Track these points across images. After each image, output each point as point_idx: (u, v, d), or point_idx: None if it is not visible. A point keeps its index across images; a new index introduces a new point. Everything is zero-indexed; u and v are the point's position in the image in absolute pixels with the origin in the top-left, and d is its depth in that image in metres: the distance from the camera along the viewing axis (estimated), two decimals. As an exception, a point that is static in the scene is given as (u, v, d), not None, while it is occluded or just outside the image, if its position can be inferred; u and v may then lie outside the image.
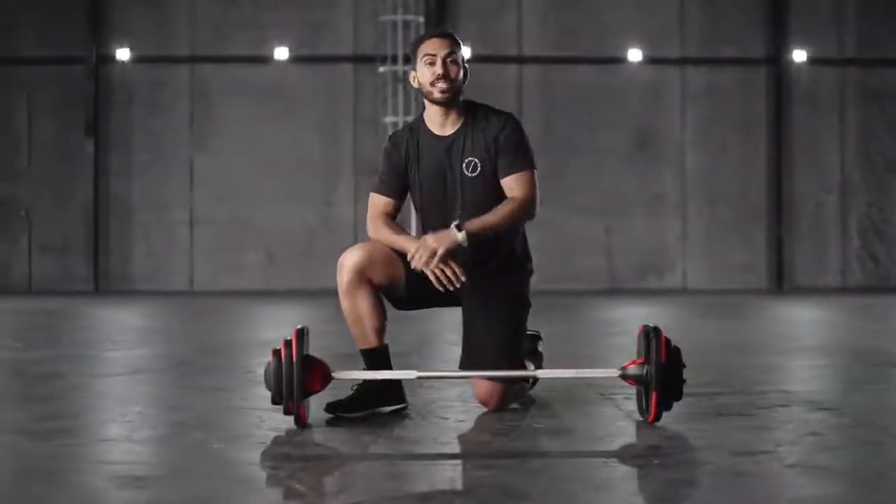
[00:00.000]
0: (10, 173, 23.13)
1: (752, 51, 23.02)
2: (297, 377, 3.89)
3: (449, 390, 4.94)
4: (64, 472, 3.20)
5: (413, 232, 4.47)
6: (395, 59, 22.64)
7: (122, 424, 4.13)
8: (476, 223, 4.15)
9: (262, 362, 5.01)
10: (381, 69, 22.71)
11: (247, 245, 22.86)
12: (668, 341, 3.96)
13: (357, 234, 22.69)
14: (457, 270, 4.10)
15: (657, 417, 3.95)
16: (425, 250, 4.07)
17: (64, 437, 3.82)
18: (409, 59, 4.50)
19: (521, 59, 22.96)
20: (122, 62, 23.03)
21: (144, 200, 23.03)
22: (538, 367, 4.77)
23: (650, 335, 3.94)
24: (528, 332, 4.99)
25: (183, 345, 8.72)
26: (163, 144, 23.03)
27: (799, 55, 22.90)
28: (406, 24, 22.76)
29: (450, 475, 3.24)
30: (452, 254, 4.07)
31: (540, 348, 4.93)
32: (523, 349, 4.47)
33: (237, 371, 6.01)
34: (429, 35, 4.45)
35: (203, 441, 3.71)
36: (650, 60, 22.81)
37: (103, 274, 22.91)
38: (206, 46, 23.05)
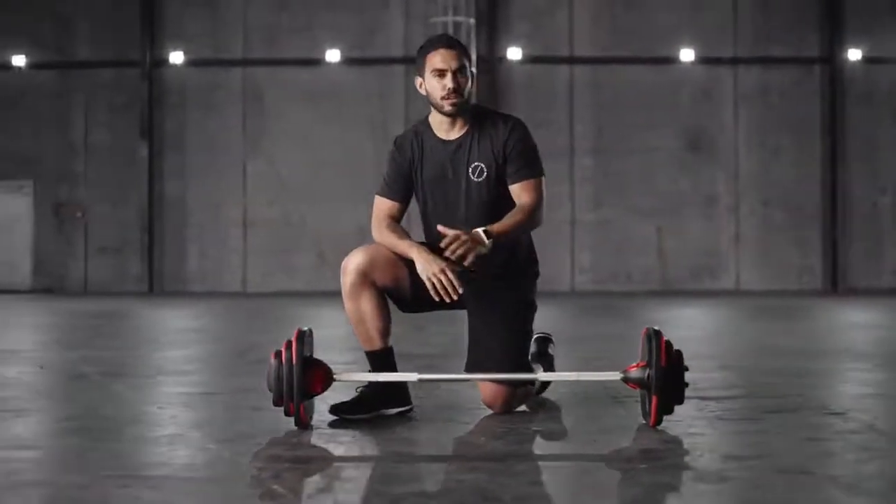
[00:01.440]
0: (68, 176, 23.48)
1: (806, 50, 22.78)
2: (297, 379, 3.92)
3: (463, 393, 4.93)
4: (50, 468, 3.24)
5: (415, 234, 4.46)
6: (446, 61, 22.65)
7: (124, 424, 4.17)
8: (499, 227, 4.14)
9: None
10: (432, 71, 22.74)
11: (299, 246, 23.02)
12: (668, 344, 3.92)
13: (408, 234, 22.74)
14: (455, 282, 4.10)
15: (658, 421, 3.92)
16: (460, 244, 4.03)
17: (62, 435, 3.87)
18: (416, 62, 4.46)
19: (572, 60, 22.89)
20: (176, 65, 23.28)
21: (198, 202, 23.27)
22: (548, 369, 4.75)
23: (651, 338, 3.92)
24: (539, 335, 4.98)
25: (225, 345, 8.78)
26: (216, 146, 23.24)
27: (854, 54, 22.62)
28: (457, 26, 22.78)
29: (431, 477, 3.23)
30: (475, 258, 4.06)
31: (550, 351, 4.90)
32: (528, 352, 4.44)
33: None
34: (436, 45, 4.36)
35: (199, 441, 3.74)
36: (702, 60, 22.65)
37: (157, 275, 23.18)
38: (258, 49, 23.24)
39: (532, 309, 4.49)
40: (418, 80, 4.38)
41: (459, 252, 4.03)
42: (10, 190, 23.52)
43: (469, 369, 4.37)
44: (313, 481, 3.14)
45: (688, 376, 3.89)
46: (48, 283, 23.42)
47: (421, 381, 4.17)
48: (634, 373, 4.04)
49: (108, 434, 3.92)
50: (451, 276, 4.08)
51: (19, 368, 6.38)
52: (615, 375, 4.11)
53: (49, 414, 4.58)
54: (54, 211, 23.49)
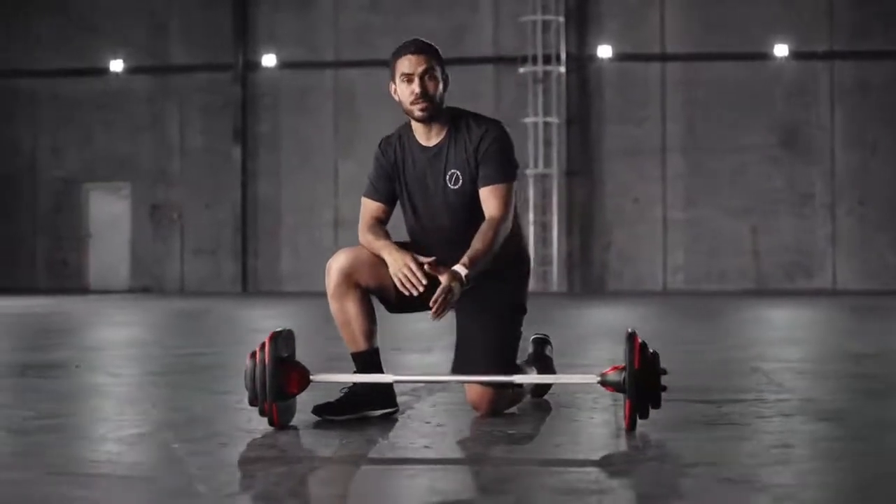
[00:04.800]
0: (164, 178, 23.96)
1: (905, 43, 22.15)
2: (269, 379, 3.92)
3: (457, 395, 4.89)
4: (25, 465, 3.29)
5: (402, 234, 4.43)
6: (535, 60, 22.60)
7: (106, 423, 4.22)
8: (470, 263, 4.08)
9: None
10: (522, 70, 22.70)
11: (389, 246, 23.10)
12: (643, 346, 3.82)
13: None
14: (417, 274, 4.06)
15: (632, 425, 3.83)
16: (446, 298, 4.01)
17: (45, 432, 3.92)
18: (388, 69, 4.41)
19: (663, 57, 22.60)
20: (269, 68, 23.59)
21: (290, 203, 23.55)
22: (544, 371, 4.67)
23: (626, 340, 3.83)
24: (536, 336, 4.91)
25: (306, 347, 8.81)
26: (308, 148, 23.49)
27: (958, 46, 21.94)
28: (546, 25, 22.69)
29: (378, 481, 3.21)
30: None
31: (548, 352, 4.83)
32: (516, 353, 4.38)
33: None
34: (404, 50, 4.30)
35: (164, 441, 3.76)
36: (796, 55, 22.16)
37: (251, 275, 23.51)
38: (349, 51, 23.43)
39: (521, 309, 4.42)
40: (392, 86, 4.34)
41: (449, 303, 3.97)
42: (109, 192, 24.08)
43: (456, 370, 4.33)
44: (266, 482, 3.13)
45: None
46: (146, 283, 23.92)
47: (396, 382, 4.14)
48: (611, 376, 3.96)
49: (78, 431, 3.96)
50: (413, 268, 4.05)
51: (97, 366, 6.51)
52: (592, 378, 4.03)
53: (36, 410, 4.65)
54: (151, 212, 23.99)
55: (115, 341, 9.41)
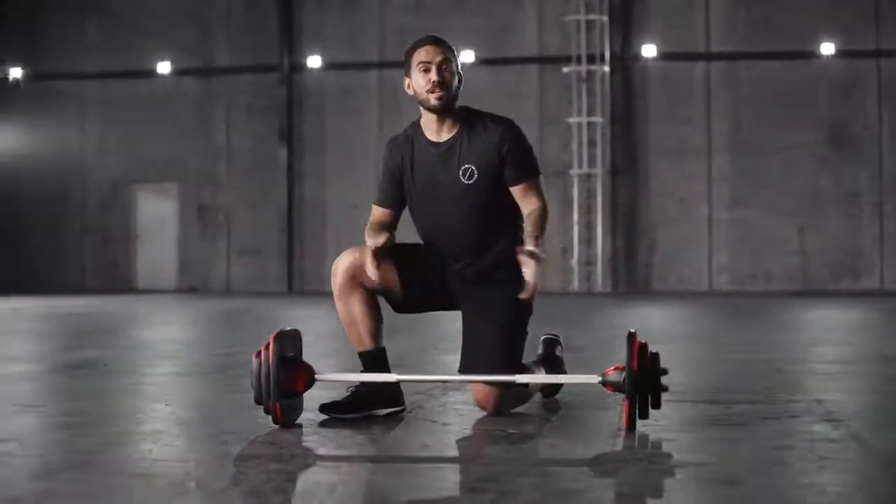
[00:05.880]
0: (210, 179, 24.17)
1: (954, 40, 21.86)
2: (273, 378, 3.98)
3: (469, 394, 4.92)
4: (19, 462, 3.37)
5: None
6: (579, 60, 22.56)
7: (113, 420, 4.30)
8: (537, 236, 4.20)
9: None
10: (566, 70, 22.67)
11: (434, 247, 23.15)
12: (643, 347, 3.84)
13: (542, 235, 22.68)
14: (369, 263, 4.16)
15: (632, 425, 3.84)
16: (530, 291, 4.14)
17: (46, 429, 4.00)
18: (403, 65, 4.45)
19: (708, 56, 22.47)
20: (314, 69, 23.73)
21: (336, 203, 23.66)
22: (551, 371, 4.69)
23: (627, 341, 3.84)
24: (546, 336, 4.92)
25: (341, 344, 8.90)
26: (353, 149, 23.59)
27: None
28: (590, 24, 22.64)
29: (364, 478, 3.25)
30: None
31: (558, 353, 4.84)
32: (522, 353, 4.39)
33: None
34: (422, 42, 4.37)
35: (169, 438, 3.83)
36: (843, 53, 21.93)
37: (297, 275, 23.66)
38: (394, 52, 23.47)
39: (527, 310, 4.44)
40: (406, 80, 4.38)
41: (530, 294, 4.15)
42: (157, 193, 24.34)
43: (462, 370, 4.36)
44: (258, 479, 3.17)
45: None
46: (192, 283, 24.15)
47: (401, 381, 4.17)
48: (611, 376, 3.98)
49: (80, 429, 4.03)
50: (367, 257, 4.14)
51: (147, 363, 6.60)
52: (593, 378, 4.05)
53: (54, 408, 4.74)
54: (198, 213, 24.21)
55: (151, 341, 9.53)
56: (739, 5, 22.38)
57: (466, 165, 4.35)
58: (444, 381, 5.09)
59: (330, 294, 4.45)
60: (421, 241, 4.50)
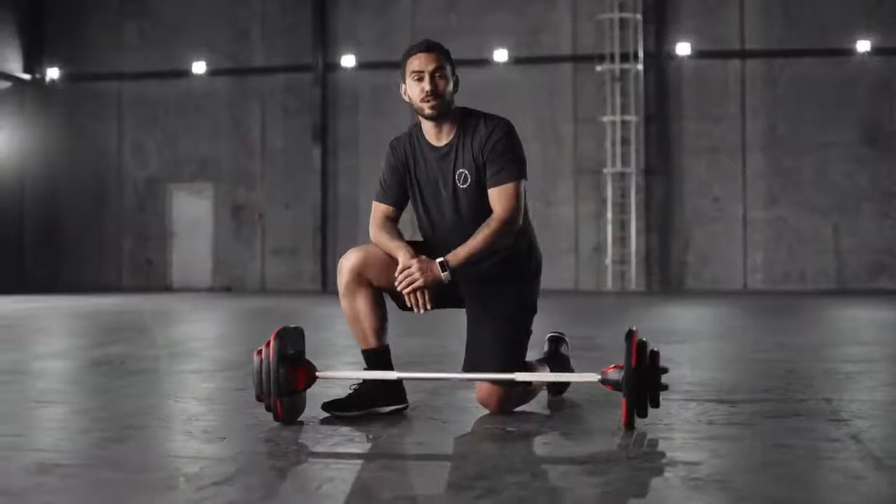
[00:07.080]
0: (245, 179, 24.29)
1: None
2: (274, 375, 4.02)
3: (464, 392, 4.94)
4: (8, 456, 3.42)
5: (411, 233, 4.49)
6: (613, 58, 22.49)
7: (117, 417, 4.35)
8: (460, 255, 4.14)
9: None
10: (600, 68, 22.60)
11: (467, 246, 23.14)
12: (642, 345, 3.84)
13: (577, 234, 22.66)
14: (427, 300, 4.14)
15: (629, 424, 3.85)
16: (406, 278, 4.13)
17: (46, 424, 4.06)
18: (400, 69, 4.47)
19: (743, 54, 22.32)
20: (348, 69, 23.79)
21: (368, 204, 23.43)
22: (555, 370, 4.69)
23: (626, 338, 3.85)
24: (552, 335, 4.93)
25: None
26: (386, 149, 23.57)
27: None
28: (624, 23, 22.56)
29: (351, 475, 3.27)
30: (430, 287, 4.13)
31: (563, 351, 4.85)
32: (525, 352, 4.40)
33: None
34: (415, 49, 4.36)
35: (168, 434, 3.87)
36: (880, 51, 21.71)
37: (331, 274, 23.72)
38: (427, 51, 23.47)
39: (530, 308, 4.45)
40: (402, 86, 4.40)
41: (403, 286, 4.07)
42: (192, 192, 24.50)
43: (466, 369, 4.38)
44: (245, 474, 3.21)
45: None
46: (227, 282, 24.28)
47: (402, 379, 4.20)
48: (611, 374, 3.99)
49: (81, 426, 4.08)
50: (427, 293, 4.13)
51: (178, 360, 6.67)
52: (593, 377, 4.05)
53: (75, 406, 4.79)
54: (233, 213, 24.34)
55: (178, 338, 9.60)
56: (775, 3, 22.22)
57: (461, 170, 4.36)
58: (445, 380, 5.11)
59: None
60: (423, 239, 4.53)
